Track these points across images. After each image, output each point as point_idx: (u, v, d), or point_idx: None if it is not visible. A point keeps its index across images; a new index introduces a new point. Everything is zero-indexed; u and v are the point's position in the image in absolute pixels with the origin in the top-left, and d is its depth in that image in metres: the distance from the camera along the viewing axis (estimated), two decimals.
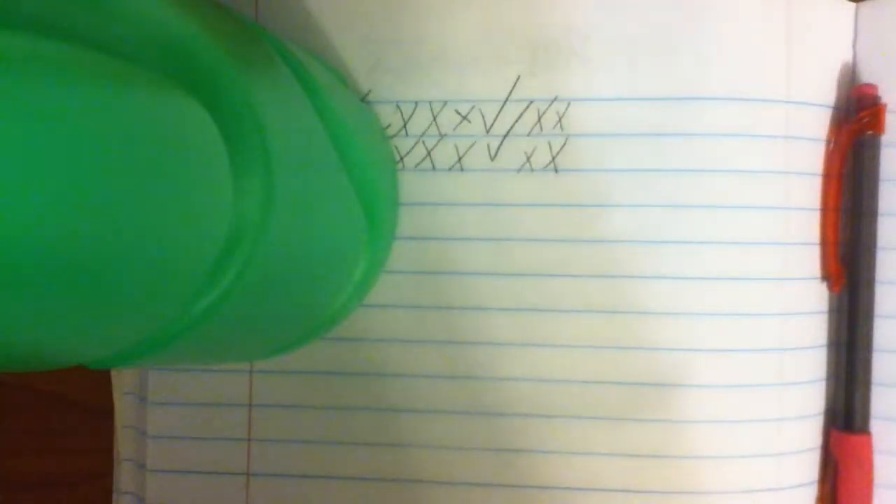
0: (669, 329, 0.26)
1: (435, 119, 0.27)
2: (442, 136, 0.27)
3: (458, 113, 0.26)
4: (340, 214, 0.22)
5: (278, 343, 0.25)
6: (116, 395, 0.28)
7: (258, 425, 0.27)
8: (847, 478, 0.26)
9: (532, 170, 0.26)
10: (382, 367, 0.27)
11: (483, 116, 0.26)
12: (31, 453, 0.30)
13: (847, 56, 0.27)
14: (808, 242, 0.26)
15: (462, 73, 0.26)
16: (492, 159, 0.26)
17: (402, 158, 0.27)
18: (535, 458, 0.26)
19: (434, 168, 0.27)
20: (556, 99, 0.26)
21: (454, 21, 0.26)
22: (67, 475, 0.30)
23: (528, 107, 0.26)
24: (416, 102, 0.27)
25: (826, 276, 0.27)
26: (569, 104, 0.26)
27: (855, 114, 0.26)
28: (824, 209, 0.27)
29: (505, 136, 0.26)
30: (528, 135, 0.26)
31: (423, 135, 0.27)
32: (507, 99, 0.26)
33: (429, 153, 0.27)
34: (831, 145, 0.27)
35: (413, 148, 0.27)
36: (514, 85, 0.26)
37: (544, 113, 0.26)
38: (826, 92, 0.26)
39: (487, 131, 0.26)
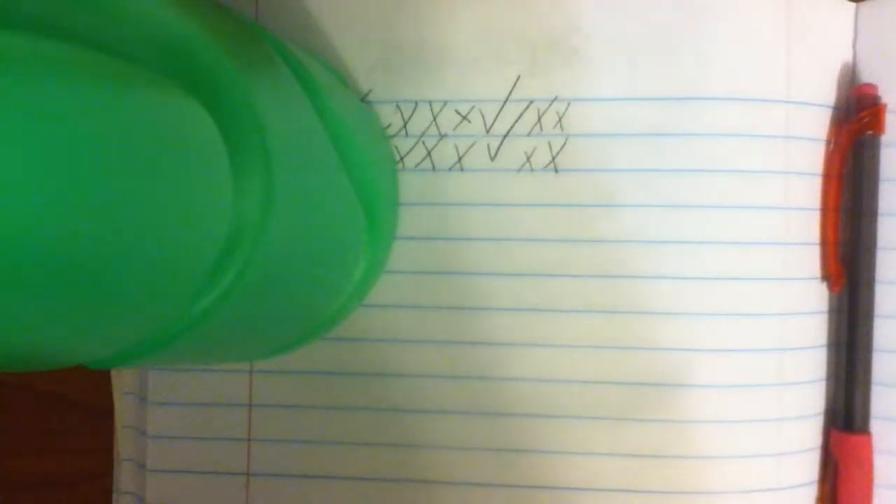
0: (669, 329, 0.26)
1: (435, 119, 0.27)
2: (442, 136, 0.27)
3: (458, 113, 0.26)
4: (340, 214, 0.22)
5: (278, 343, 0.25)
6: (116, 395, 0.28)
7: (258, 425, 0.27)
8: (847, 478, 0.26)
9: (532, 170, 0.26)
10: (382, 367, 0.27)
11: (483, 116, 0.26)
12: (31, 453, 0.30)
13: (847, 56, 0.27)
14: (808, 242, 0.26)
15: (462, 73, 0.26)
16: (492, 159, 0.26)
17: (402, 158, 0.27)
18: (535, 458, 0.26)
19: (434, 168, 0.27)
20: (556, 99, 0.26)
21: (454, 21, 0.26)
22: (67, 475, 0.30)
23: (528, 107, 0.26)
24: (416, 102, 0.27)
25: (826, 276, 0.27)
26: (569, 104, 0.26)
27: (855, 114, 0.26)
28: (824, 209, 0.27)
29: (505, 136, 0.26)
30: (528, 135, 0.26)
31: (423, 135, 0.27)
32: (507, 99, 0.26)
33: (429, 153, 0.27)
34: (831, 145, 0.27)
35: (413, 148, 0.27)
36: (514, 85, 0.26)
37: (544, 113, 0.26)
38: (826, 92, 0.26)
39: (487, 131, 0.26)
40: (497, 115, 0.26)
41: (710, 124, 0.26)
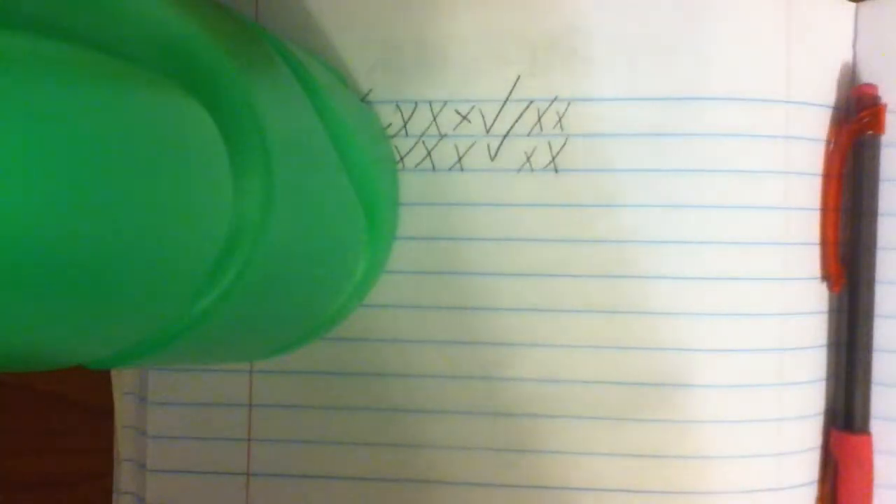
0: (669, 329, 0.26)
1: (435, 119, 0.27)
2: (442, 136, 0.27)
3: (458, 113, 0.26)
4: (340, 214, 0.22)
5: (278, 343, 0.25)
6: (116, 395, 0.28)
7: (258, 425, 0.27)
8: (847, 478, 0.26)
9: (532, 170, 0.26)
10: (382, 367, 0.27)
11: (483, 116, 0.26)
12: (31, 453, 0.30)
13: (847, 56, 0.27)
14: (808, 242, 0.26)
15: (462, 73, 0.26)
16: (492, 159, 0.26)
17: (402, 158, 0.27)
18: (536, 458, 0.26)
19: (434, 168, 0.27)
20: (556, 99, 0.26)
21: (454, 21, 0.26)
22: (67, 475, 0.30)
23: (528, 107, 0.26)
24: (416, 102, 0.27)
25: (826, 276, 0.27)
26: (569, 104, 0.26)
27: (855, 114, 0.26)
28: (824, 209, 0.27)
29: (505, 136, 0.26)
30: (528, 135, 0.26)
31: (423, 135, 0.27)
32: (507, 99, 0.26)
33: (429, 153, 0.27)
34: (831, 145, 0.27)
35: (413, 148, 0.27)
36: (514, 85, 0.26)
37: (544, 113, 0.26)
38: (826, 92, 0.26)
39: (487, 131, 0.26)
40: (497, 115, 0.26)
41: (710, 124, 0.26)
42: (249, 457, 0.27)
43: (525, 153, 0.26)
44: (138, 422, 0.28)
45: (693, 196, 0.26)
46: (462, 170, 0.27)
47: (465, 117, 0.26)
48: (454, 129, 0.26)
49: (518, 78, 0.26)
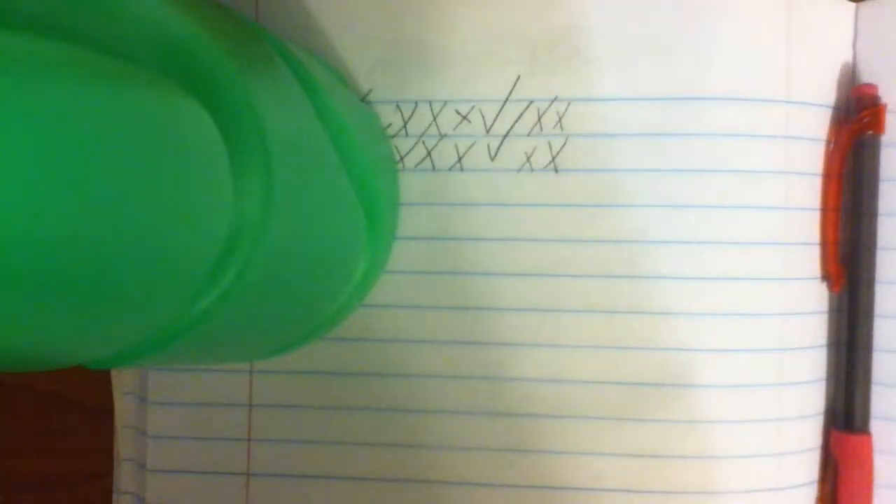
0: (669, 329, 0.26)
1: (435, 119, 0.27)
2: (442, 136, 0.27)
3: (458, 113, 0.26)
4: (340, 214, 0.22)
5: (278, 343, 0.25)
6: (116, 395, 0.28)
7: (258, 425, 0.27)
8: (847, 478, 0.26)
9: (532, 170, 0.26)
10: (382, 367, 0.27)
11: (483, 116, 0.26)
12: (31, 453, 0.30)
13: (847, 56, 0.27)
14: (808, 242, 0.26)
15: (462, 73, 0.26)
16: (492, 159, 0.26)
17: (402, 158, 0.27)
18: (536, 458, 0.26)
19: (434, 168, 0.27)
20: (556, 99, 0.26)
21: (454, 21, 0.26)
22: (67, 475, 0.30)
23: (528, 107, 0.26)
24: (416, 102, 0.27)
25: (826, 276, 0.27)
26: (569, 104, 0.26)
27: (855, 114, 0.26)
28: (824, 209, 0.27)
29: (505, 136, 0.26)
30: (528, 135, 0.26)
31: (423, 135, 0.27)
32: (507, 99, 0.26)
33: (429, 153, 0.27)
34: (831, 145, 0.27)
35: (413, 148, 0.27)
36: (514, 85, 0.26)
37: (544, 113, 0.26)
38: (826, 92, 0.26)
39: (487, 131, 0.26)
40: (497, 115, 0.26)
41: (710, 124, 0.26)
42: (249, 457, 0.27)
43: (525, 153, 0.26)
44: (138, 422, 0.28)
45: (693, 196, 0.26)
46: (462, 170, 0.27)
47: (465, 117, 0.26)
48: (454, 129, 0.26)
49: (518, 78, 0.26)
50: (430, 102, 0.27)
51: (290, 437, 0.27)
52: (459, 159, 0.27)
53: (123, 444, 0.28)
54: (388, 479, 0.27)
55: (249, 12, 0.27)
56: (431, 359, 0.27)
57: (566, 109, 0.26)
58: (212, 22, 0.18)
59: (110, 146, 0.13)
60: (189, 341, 0.18)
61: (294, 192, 0.19)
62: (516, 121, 0.26)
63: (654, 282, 0.26)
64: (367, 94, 0.27)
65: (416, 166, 0.27)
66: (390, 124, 0.27)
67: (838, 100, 0.27)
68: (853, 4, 0.27)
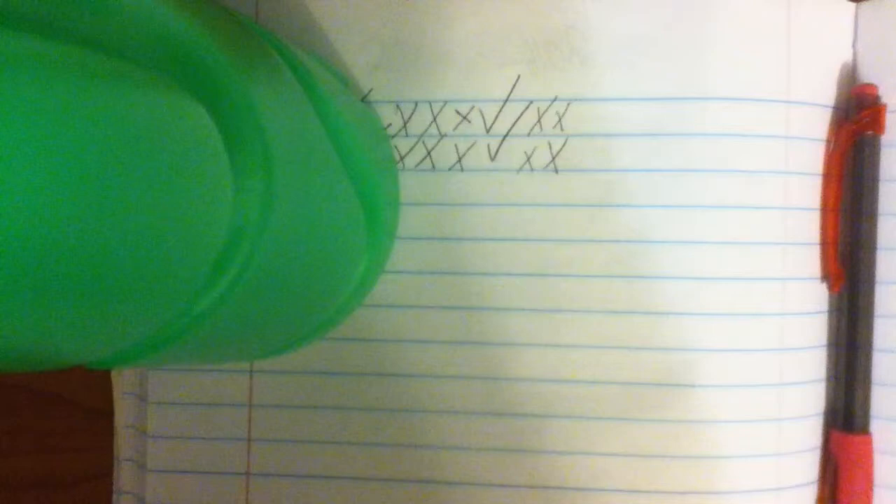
0: (669, 329, 0.26)
1: (435, 119, 0.27)
2: (442, 136, 0.27)
3: (459, 113, 0.26)
4: (340, 214, 0.22)
5: (278, 343, 0.25)
6: (116, 395, 0.28)
7: (258, 425, 0.27)
8: (847, 478, 0.26)
9: (532, 170, 0.26)
10: (382, 367, 0.27)
11: (483, 116, 0.26)
12: (31, 453, 0.30)
13: (847, 56, 0.27)
14: (808, 242, 0.26)
15: (462, 73, 0.26)
16: (492, 159, 0.26)
17: (402, 158, 0.27)
18: (536, 458, 0.26)
19: (434, 168, 0.27)
20: (556, 99, 0.26)
21: (454, 21, 0.26)
22: (67, 475, 0.30)
23: (528, 107, 0.26)
24: (416, 102, 0.27)
25: (826, 276, 0.27)
26: (569, 104, 0.26)
27: (855, 114, 0.26)
28: (824, 209, 0.27)
29: (505, 136, 0.26)
30: (528, 135, 0.26)
31: (423, 135, 0.27)
32: (507, 99, 0.26)
33: (429, 153, 0.27)
34: (831, 145, 0.27)
35: (413, 148, 0.27)
36: (514, 85, 0.26)
37: (544, 113, 0.26)
38: (826, 92, 0.26)
39: (487, 131, 0.26)
40: (497, 115, 0.26)
41: (710, 124, 0.26)
42: (249, 457, 0.27)
43: (525, 153, 0.26)
44: (138, 422, 0.28)
45: (693, 196, 0.26)
46: (462, 170, 0.27)
47: (465, 117, 0.26)
48: (454, 129, 0.26)
49: (518, 78, 0.26)
50: (430, 102, 0.27)
51: (290, 437, 0.27)
52: (459, 159, 0.27)
53: (123, 444, 0.28)
54: (388, 479, 0.27)
55: (249, 12, 0.27)
56: (431, 359, 0.27)
57: (566, 109, 0.26)
58: (212, 22, 0.18)
59: (110, 146, 0.13)
60: (189, 341, 0.18)
61: (294, 192, 0.19)
62: (516, 121, 0.26)
63: (654, 282, 0.26)
64: (367, 94, 0.27)
65: (416, 166, 0.27)
66: (390, 124, 0.27)
67: (838, 100, 0.27)
68: (853, 4, 0.27)
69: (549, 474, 0.26)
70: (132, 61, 0.15)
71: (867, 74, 0.26)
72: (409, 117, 0.27)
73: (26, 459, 0.30)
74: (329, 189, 0.22)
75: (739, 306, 0.26)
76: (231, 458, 0.27)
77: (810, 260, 0.26)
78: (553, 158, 0.26)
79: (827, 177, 0.27)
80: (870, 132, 0.26)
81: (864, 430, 0.26)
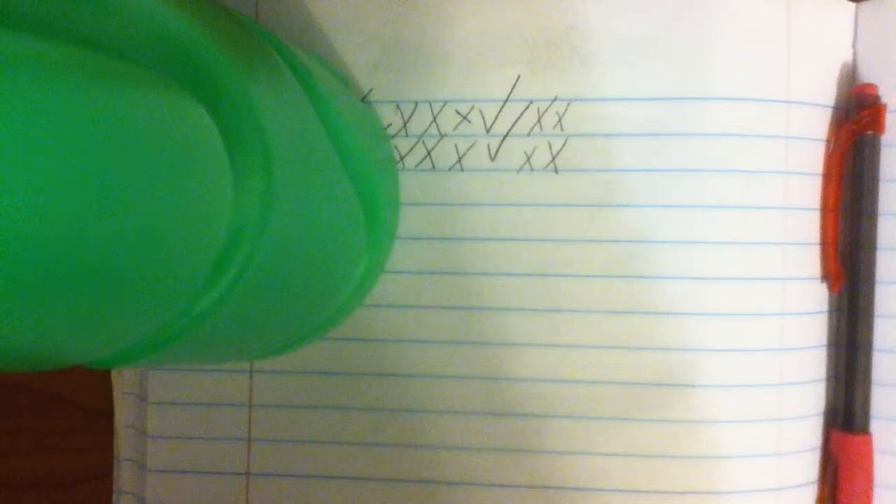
0: (669, 329, 0.26)
1: (435, 119, 0.27)
2: (442, 136, 0.27)
3: (459, 113, 0.26)
4: (340, 214, 0.22)
5: (279, 343, 0.25)
6: (116, 395, 0.28)
7: (258, 425, 0.27)
8: (847, 478, 0.26)
9: (532, 170, 0.26)
10: (382, 367, 0.27)
11: (483, 116, 0.26)
12: (31, 453, 0.30)
13: (847, 56, 0.27)
14: (808, 242, 0.26)
15: (462, 73, 0.26)
16: (492, 159, 0.26)
17: (402, 158, 0.27)
18: (536, 458, 0.26)
19: (434, 168, 0.27)
20: (556, 99, 0.26)
21: (454, 21, 0.26)
22: (67, 475, 0.30)
23: (528, 107, 0.26)
24: (416, 102, 0.27)
25: (826, 276, 0.27)
26: (569, 104, 0.26)
27: (855, 114, 0.26)
28: (824, 209, 0.27)
29: (505, 136, 0.26)
30: (528, 135, 0.26)
31: (423, 135, 0.27)
32: (507, 99, 0.26)
33: (429, 153, 0.27)
34: (831, 145, 0.27)
35: (413, 148, 0.27)
36: (514, 85, 0.26)
37: (544, 113, 0.26)
38: (826, 92, 0.26)
39: (487, 131, 0.26)
40: (497, 115, 0.26)
41: (710, 124, 0.26)
42: (249, 457, 0.27)
43: (525, 153, 0.26)
44: (138, 422, 0.28)
45: (693, 196, 0.26)
46: (462, 170, 0.27)
47: (465, 117, 0.26)
48: (454, 129, 0.26)
49: (518, 78, 0.26)
50: (430, 102, 0.27)
51: (290, 437, 0.27)
52: (459, 159, 0.27)
53: (123, 444, 0.28)
54: (388, 479, 0.27)
55: (249, 12, 0.27)
56: (431, 359, 0.27)
57: (566, 109, 0.26)
58: (212, 22, 0.18)
59: (110, 146, 0.13)
60: (189, 341, 0.18)
61: (294, 192, 0.19)
62: (516, 121, 0.26)
63: (653, 282, 0.26)
64: (367, 94, 0.27)
65: (416, 166, 0.27)
66: (390, 124, 0.27)
67: (838, 100, 0.27)
68: (853, 4, 0.27)
69: (549, 474, 0.26)
70: (132, 61, 0.15)
71: (867, 74, 0.26)
72: (409, 117, 0.27)
73: (26, 459, 0.30)
74: (329, 189, 0.22)
75: (739, 306, 0.26)
76: (231, 458, 0.27)
77: (810, 260, 0.26)
78: (553, 158, 0.26)
79: (827, 177, 0.27)
80: (870, 132, 0.26)
81: (864, 430, 0.26)
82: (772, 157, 0.26)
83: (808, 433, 0.27)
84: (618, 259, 0.26)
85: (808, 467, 0.27)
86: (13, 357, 0.15)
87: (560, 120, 0.26)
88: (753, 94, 0.26)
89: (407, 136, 0.27)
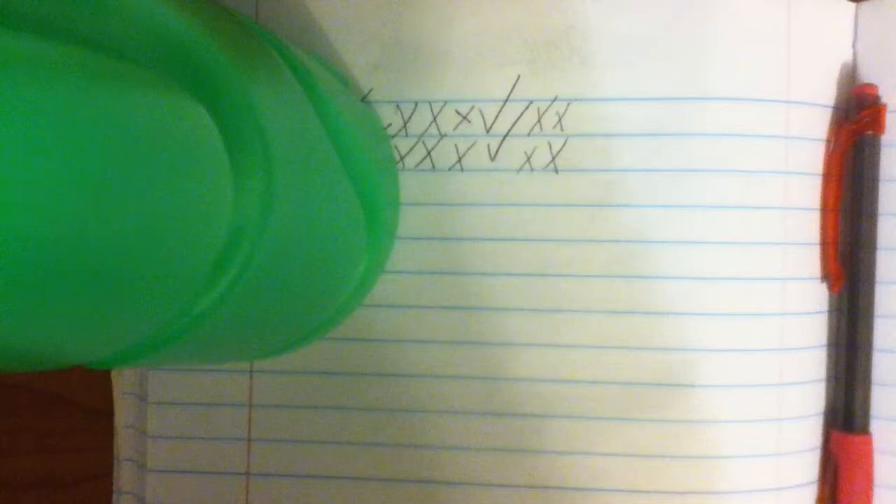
0: (669, 329, 0.26)
1: (435, 119, 0.27)
2: (442, 136, 0.27)
3: (459, 113, 0.26)
4: (340, 214, 0.22)
5: (279, 343, 0.25)
6: (116, 395, 0.28)
7: (258, 425, 0.27)
8: (847, 478, 0.26)
9: (532, 170, 0.26)
10: (382, 367, 0.27)
11: (483, 116, 0.26)
12: (31, 453, 0.30)
13: (847, 56, 0.27)
14: (808, 242, 0.26)
15: (462, 73, 0.26)
16: (492, 159, 0.26)
17: (402, 158, 0.27)
18: (536, 458, 0.26)
19: (434, 168, 0.27)
20: (556, 99, 0.26)
21: (454, 21, 0.26)
22: (67, 475, 0.30)
23: (528, 107, 0.26)
24: (416, 102, 0.27)
25: (826, 276, 0.27)
26: (569, 104, 0.26)
27: (855, 114, 0.26)
28: (824, 209, 0.27)
29: (505, 136, 0.26)
30: (528, 135, 0.26)
31: (423, 135, 0.27)
32: (507, 99, 0.26)
33: (429, 153, 0.27)
34: (831, 145, 0.27)
35: (413, 148, 0.27)
36: (514, 85, 0.26)
37: (544, 113, 0.26)
38: (826, 92, 0.26)
39: (487, 131, 0.26)
40: (497, 115, 0.26)
41: (710, 124, 0.26)
42: (249, 457, 0.27)
43: (525, 153, 0.26)
44: (138, 422, 0.28)
45: (693, 196, 0.26)
46: (462, 170, 0.27)
47: (465, 117, 0.26)
48: (454, 129, 0.26)
49: (518, 78, 0.26)
50: (430, 102, 0.27)
51: (290, 437, 0.27)
52: (459, 159, 0.27)
53: (123, 444, 0.28)
54: (388, 479, 0.27)
55: (249, 12, 0.27)
56: (431, 359, 0.27)
57: (566, 109, 0.26)
58: (212, 22, 0.18)
59: (110, 146, 0.13)
60: (189, 341, 0.18)
61: (294, 192, 0.19)
62: (516, 121, 0.26)
63: (654, 282, 0.26)
64: (367, 94, 0.27)
65: (416, 166, 0.27)
66: (390, 124, 0.27)
67: (838, 100, 0.27)
68: (853, 4, 0.27)
69: (549, 474, 0.26)
70: (132, 61, 0.15)
71: (867, 74, 0.26)
72: (409, 117, 0.27)
73: (26, 459, 0.30)
74: (329, 189, 0.22)
75: (739, 306, 0.26)
76: (231, 458, 0.27)
77: (810, 260, 0.26)
78: (553, 158, 0.26)
79: (827, 177, 0.27)
80: (870, 132, 0.26)
81: (864, 430, 0.26)
82: (772, 157, 0.26)
83: (808, 433, 0.27)
84: (618, 259, 0.26)
85: (808, 467, 0.27)
86: (13, 357, 0.15)
87: (560, 120, 0.26)
88: (753, 94, 0.26)
89: (407, 136, 0.27)
